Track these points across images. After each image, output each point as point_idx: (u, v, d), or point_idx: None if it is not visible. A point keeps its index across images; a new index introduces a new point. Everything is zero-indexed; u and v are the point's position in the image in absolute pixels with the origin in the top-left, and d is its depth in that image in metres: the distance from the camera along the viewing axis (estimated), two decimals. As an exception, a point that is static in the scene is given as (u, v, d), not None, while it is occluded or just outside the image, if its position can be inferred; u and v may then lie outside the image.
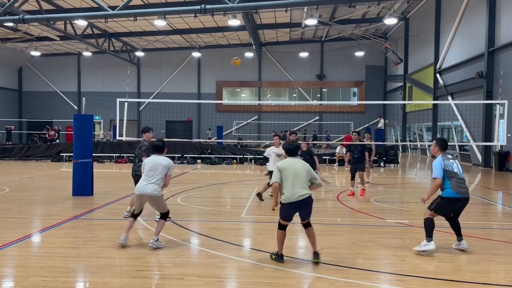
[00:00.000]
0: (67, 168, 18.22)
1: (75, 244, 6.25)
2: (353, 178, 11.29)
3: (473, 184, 15.22)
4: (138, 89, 39.95)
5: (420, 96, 29.34)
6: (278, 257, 5.42)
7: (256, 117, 39.02)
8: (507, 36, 18.72)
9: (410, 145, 32.69)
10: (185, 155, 22.53)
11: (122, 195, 10.78)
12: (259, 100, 39.92)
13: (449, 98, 24.49)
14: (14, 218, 8.16)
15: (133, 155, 8.67)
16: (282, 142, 9.95)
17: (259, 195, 10.21)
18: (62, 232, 7.04)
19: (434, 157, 6.20)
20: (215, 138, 32.19)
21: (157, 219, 7.22)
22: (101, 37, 32.06)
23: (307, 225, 5.50)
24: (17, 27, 28.39)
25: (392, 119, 35.90)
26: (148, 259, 5.64)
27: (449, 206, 5.91)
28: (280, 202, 5.37)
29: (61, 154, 22.79)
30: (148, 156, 6.68)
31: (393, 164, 20.98)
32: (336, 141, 32.36)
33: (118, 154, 22.67)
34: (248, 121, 38.79)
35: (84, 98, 12.12)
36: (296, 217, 5.52)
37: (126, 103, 12.86)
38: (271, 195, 10.08)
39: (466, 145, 23.28)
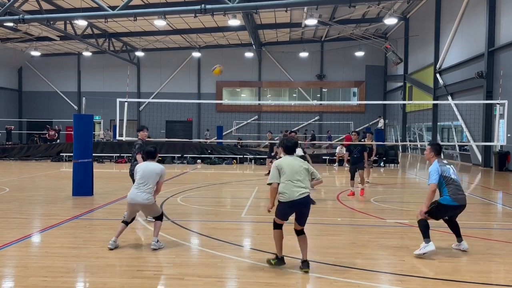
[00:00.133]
0: (67, 168, 18.22)
1: (75, 244, 6.25)
2: (352, 178, 11.27)
3: (473, 184, 15.23)
4: (138, 89, 39.95)
5: (420, 96, 29.34)
6: (278, 261, 5.22)
7: (256, 117, 39.02)
8: (507, 36, 18.72)
9: (410, 145, 32.70)
10: (185, 155, 22.53)
11: (122, 195, 10.77)
12: (259, 100, 39.93)
13: (449, 98, 24.49)
14: (14, 218, 8.16)
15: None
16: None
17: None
18: (62, 232, 7.04)
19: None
20: (215, 138, 32.18)
21: (150, 219, 7.25)
22: (101, 37, 32.07)
23: (300, 232, 5.26)
24: (17, 27, 28.40)
25: (392, 119, 35.91)
26: (148, 259, 5.64)
27: (445, 212, 5.88)
28: (279, 201, 5.17)
29: (61, 154, 22.79)
30: (142, 154, 6.58)
31: (393, 164, 20.98)
32: (336, 141, 32.39)
33: (118, 154, 22.67)
34: (248, 121, 38.79)
35: (84, 98, 12.12)
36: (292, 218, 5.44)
37: (126, 103, 12.85)
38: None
39: (466, 145, 23.29)
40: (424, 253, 5.70)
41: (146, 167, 6.22)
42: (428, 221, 5.85)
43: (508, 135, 17.85)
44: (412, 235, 6.85)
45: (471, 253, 5.97)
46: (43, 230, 7.12)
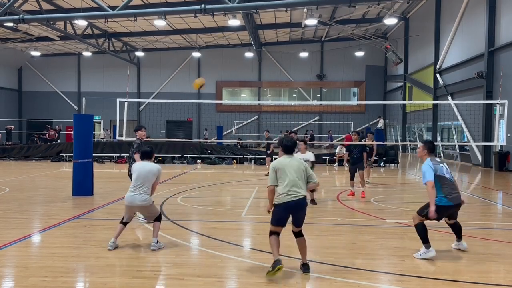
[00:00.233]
0: (67, 168, 18.22)
1: (75, 244, 6.25)
2: (352, 178, 11.26)
3: (473, 184, 15.23)
4: (138, 89, 39.96)
5: (420, 96, 29.35)
6: (275, 263, 4.87)
7: (256, 117, 39.03)
8: (507, 36, 18.72)
9: (410, 145, 32.69)
10: (185, 155, 22.54)
11: (122, 195, 10.72)
12: (259, 100, 39.94)
13: (449, 98, 24.49)
14: (14, 218, 8.16)
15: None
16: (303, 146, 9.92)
17: (312, 201, 9.74)
18: (62, 232, 7.04)
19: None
20: (215, 138, 32.19)
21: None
22: (101, 37, 32.08)
23: (298, 234, 5.15)
24: (17, 27, 28.40)
25: (392, 119, 35.91)
26: (148, 259, 5.64)
27: (441, 213, 5.69)
28: (274, 204, 5.03)
29: (61, 154, 22.79)
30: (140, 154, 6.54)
31: (393, 164, 20.98)
32: (337, 141, 32.40)
33: (118, 154, 22.67)
34: (248, 121, 38.80)
35: (84, 98, 12.12)
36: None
37: (126, 103, 12.86)
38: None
39: (466, 145, 23.29)
40: (423, 258, 5.65)
41: (142, 168, 6.16)
42: (428, 221, 5.76)
43: (508, 135, 17.85)
44: (412, 235, 6.83)
45: (471, 253, 5.97)
46: (43, 230, 7.12)
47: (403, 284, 4.82)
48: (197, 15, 17.18)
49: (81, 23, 26.51)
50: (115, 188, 12.30)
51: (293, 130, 20.57)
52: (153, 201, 6.29)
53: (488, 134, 19.79)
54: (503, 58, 19.11)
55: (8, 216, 8.28)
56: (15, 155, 23.54)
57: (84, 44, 31.51)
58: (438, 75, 26.05)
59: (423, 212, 5.70)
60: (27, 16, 18.29)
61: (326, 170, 18.96)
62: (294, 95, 40.85)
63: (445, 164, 5.91)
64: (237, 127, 38.02)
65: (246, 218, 8.44)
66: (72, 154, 12.58)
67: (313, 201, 9.85)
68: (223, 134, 34.26)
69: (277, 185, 5.02)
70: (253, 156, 22.61)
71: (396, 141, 33.82)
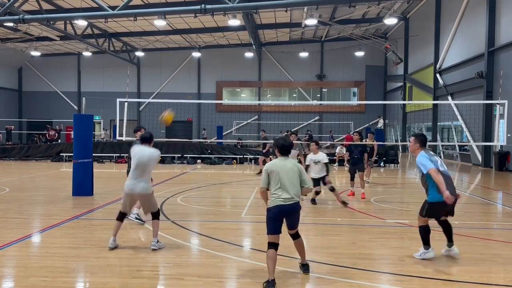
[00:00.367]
0: (67, 168, 18.22)
1: (75, 244, 6.25)
2: (352, 179, 11.25)
3: (473, 184, 15.24)
4: (138, 89, 39.96)
5: (420, 96, 29.35)
6: (268, 284, 4.61)
7: (256, 117, 39.02)
8: (507, 36, 18.72)
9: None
10: (185, 155, 22.53)
11: (122, 195, 10.76)
12: (259, 100, 39.94)
13: (449, 98, 24.49)
14: (14, 218, 8.16)
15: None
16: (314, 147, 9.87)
17: (343, 203, 9.53)
18: (62, 232, 7.04)
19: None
20: (215, 138, 32.18)
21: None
22: (101, 37, 32.07)
23: (295, 236, 5.03)
24: (17, 27, 28.40)
25: (392, 119, 35.91)
26: (148, 259, 5.64)
27: (439, 209, 5.50)
28: (267, 210, 4.86)
29: (61, 154, 22.79)
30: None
31: (393, 164, 20.98)
32: (337, 141, 32.38)
33: (118, 154, 22.67)
34: (248, 121, 38.79)
35: (84, 98, 12.13)
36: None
37: (126, 103, 12.87)
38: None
39: (466, 145, 23.29)
40: (422, 259, 5.63)
41: (142, 154, 6.03)
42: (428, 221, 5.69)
43: (508, 135, 17.85)
44: (412, 235, 6.85)
45: (471, 253, 5.97)
46: (43, 230, 7.12)
47: (403, 284, 4.82)
48: (197, 15, 17.19)
49: (81, 23, 26.51)
50: (115, 188, 12.29)
51: (293, 130, 20.53)
52: (152, 191, 6.24)
53: (488, 134, 19.79)
54: (503, 58, 19.11)
55: (8, 216, 8.28)
56: (15, 155, 23.54)
57: (84, 44, 31.50)
58: (438, 75, 26.05)
59: (423, 211, 5.58)
60: (27, 16, 18.29)
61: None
62: (294, 95, 40.85)
63: (438, 157, 5.72)
64: (237, 127, 38.01)
65: (246, 218, 8.44)
66: (72, 154, 12.58)
67: (313, 201, 9.85)
68: (223, 134, 34.25)
69: (268, 189, 4.88)
70: (253, 156, 22.60)
71: (396, 141, 33.82)
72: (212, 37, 34.81)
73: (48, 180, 14.49)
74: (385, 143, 25.73)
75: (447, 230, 5.77)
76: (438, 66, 26.05)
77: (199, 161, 22.28)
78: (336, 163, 21.14)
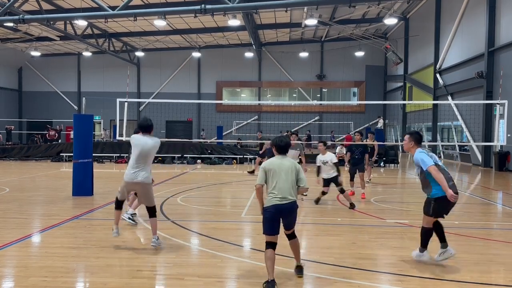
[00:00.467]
0: (67, 168, 18.22)
1: (75, 244, 6.25)
2: (352, 179, 11.24)
3: (473, 184, 15.24)
4: (138, 89, 39.96)
5: (420, 96, 29.35)
6: (268, 285, 4.57)
7: (256, 117, 39.02)
8: (507, 36, 18.72)
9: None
10: (185, 155, 22.54)
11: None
12: (259, 100, 39.94)
13: (449, 98, 24.49)
14: (14, 218, 8.16)
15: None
16: (321, 148, 9.86)
17: (351, 205, 9.41)
18: (62, 232, 7.04)
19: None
20: (215, 138, 32.18)
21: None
22: (101, 37, 32.08)
23: (291, 236, 4.94)
24: (17, 27, 28.40)
25: (392, 119, 35.91)
26: (148, 259, 5.64)
27: (446, 205, 5.20)
28: (264, 209, 4.79)
29: (61, 154, 22.79)
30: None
31: (393, 164, 20.99)
32: (337, 141, 32.37)
33: (118, 154, 22.67)
34: (248, 121, 38.79)
35: (84, 98, 12.12)
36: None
37: (126, 103, 12.87)
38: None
39: (466, 145, 23.29)
40: (417, 260, 5.53)
41: (144, 144, 5.97)
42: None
43: (508, 135, 17.86)
44: (412, 235, 6.85)
45: (471, 253, 5.97)
46: (43, 230, 7.12)
47: (403, 284, 4.82)
48: (197, 15, 17.18)
49: (81, 23, 26.51)
50: (115, 188, 12.22)
51: (293, 130, 20.54)
52: (152, 180, 6.24)
53: (488, 134, 19.79)
54: (503, 58, 19.11)
55: (8, 216, 8.28)
56: (15, 155, 23.54)
57: (84, 44, 31.50)
58: (438, 75, 26.05)
59: (429, 210, 5.29)
60: (27, 16, 18.29)
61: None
62: (294, 95, 40.85)
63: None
64: (237, 127, 38.01)
65: (246, 218, 8.44)
66: (72, 154, 12.58)
67: (318, 201, 9.79)
68: (223, 134, 34.26)
69: (264, 185, 4.83)
70: (253, 156, 22.59)
71: (396, 141, 33.81)
72: (212, 37, 34.81)
73: (48, 180, 14.48)
74: (385, 143, 25.73)
75: (439, 230, 5.49)
76: (438, 66, 26.05)
77: (199, 161, 22.27)
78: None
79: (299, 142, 13.02)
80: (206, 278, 4.92)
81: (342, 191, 9.50)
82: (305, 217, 8.56)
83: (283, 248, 5.47)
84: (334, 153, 21.83)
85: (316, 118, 39.16)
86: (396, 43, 33.23)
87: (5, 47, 35.28)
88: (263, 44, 38.18)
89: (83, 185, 10.71)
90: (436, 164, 5.18)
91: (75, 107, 40.23)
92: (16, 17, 17.85)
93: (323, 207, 9.66)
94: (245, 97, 41.79)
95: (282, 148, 4.94)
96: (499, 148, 19.18)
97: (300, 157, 11.27)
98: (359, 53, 34.80)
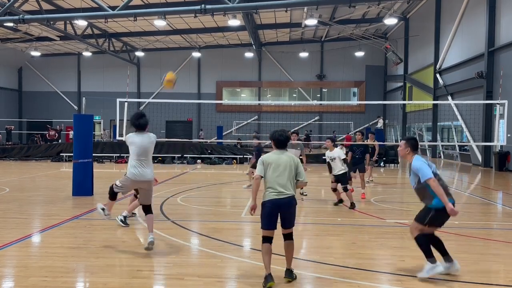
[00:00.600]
0: (67, 168, 18.22)
1: (75, 244, 6.25)
2: (350, 178, 11.21)
3: (473, 184, 15.24)
4: (138, 89, 39.95)
5: (420, 96, 29.35)
6: (266, 279, 4.58)
7: (256, 117, 39.01)
8: (507, 36, 18.72)
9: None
10: (185, 155, 22.54)
11: (122, 195, 10.75)
12: (259, 100, 39.92)
13: (449, 98, 24.49)
14: (14, 218, 8.16)
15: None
16: (328, 144, 9.87)
17: (352, 204, 9.39)
18: (62, 232, 7.04)
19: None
20: (215, 138, 32.18)
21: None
22: (101, 37, 32.07)
23: (288, 237, 4.82)
24: (17, 27, 28.39)
25: (392, 119, 35.90)
26: (148, 259, 5.64)
27: (443, 217, 4.91)
28: (262, 204, 4.75)
29: (61, 154, 22.80)
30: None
31: (393, 164, 20.99)
32: (337, 141, 32.33)
33: (118, 154, 22.67)
34: (248, 121, 38.79)
35: (84, 98, 12.12)
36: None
37: (126, 103, 12.88)
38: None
39: (466, 145, 23.29)
40: (432, 274, 4.88)
41: (141, 141, 5.95)
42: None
43: (508, 135, 17.86)
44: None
45: (471, 253, 5.97)
46: (43, 230, 7.12)
47: (403, 284, 4.82)
48: (197, 15, 17.17)
49: (81, 23, 26.51)
50: (115, 188, 12.28)
51: (294, 130, 20.49)
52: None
53: (488, 134, 19.79)
54: (503, 58, 19.11)
55: (8, 216, 8.28)
56: (15, 155, 23.54)
57: (84, 44, 31.49)
58: (438, 75, 26.05)
59: (425, 219, 4.89)
60: (27, 16, 18.28)
61: (326, 170, 18.93)
62: (294, 95, 40.84)
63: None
64: (237, 127, 38.00)
65: (246, 218, 8.43)
66: (72, 154, 12.58)
67: (341, 201, 9.66)
68: (223, 134, 34.26)
69: (263, 177, 4.76)
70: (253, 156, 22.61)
71: (396, 141, 33.78)
72: (212, 37, 34.80)
73: (48, 180, 14.49)
74: (385, 143, 25.73)
75: (438, 243, 5.10)
76: (438, 66, 26.05)
77: (199, 161, 22.28)
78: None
79: (300, 142, 13.01)
80: (206, 278, 4.92)
81: (345, 189, 9.50)
82: (305, 217, 8.57)
83: (283, 248, 5.47)
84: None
85: (316, 118, 39.15)
86: (396, 43, 33.22)
87: (5, 47, 35.27)
88: (263, 44, 38.18)
89: (83, 185, 10.71)
90: (435, 174, 4.87)
91: (75, 107, 40.22)
92: (16, 17, 17.84)
93: (323, 207, 9.66)
94: (245, 97, 41.78)
95: (280, 142, 4.89)
96: (499, 148, 19.18)
97: (301, 156, 11.27)
98: (359, 53, 34.79)
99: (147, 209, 6.12)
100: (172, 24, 30.85)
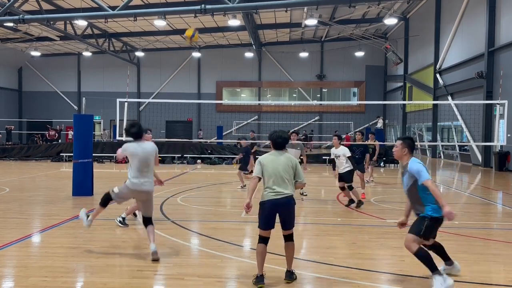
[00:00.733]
0: (67, 168, 18.22)
1: (75, 244, 6.25)
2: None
3: (473, 184, 15.24)
4: (138, 89, 39.95)
5: (420, 96, 29.35)
6: (257, 279, 4.61)
7: (256, 117, 39.01)
8: (507, 36, 18.72)
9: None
10: (185, 155, 22.54)
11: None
12: (259, 100, 39.91)
13: (449, 98, 24.49)
14: (14, 218, 8.16)
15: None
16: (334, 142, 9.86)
17: (359, 203, 9.39)
18: (62, 232, 7.04)
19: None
20: (215, 138, 32.18)
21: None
22: (101, 37, 32.07)
23: (288, 238, 4.80)
24: (17, 27, 28.39)
25: (392, 119, 35.91)
26: (148, 259, 5.63)
27: (436, 227, 4.72)
28: (260, 204, 4.77)
29: (61, 154, 22.80)
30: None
31: (393, 164, 20.98)
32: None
33: (118, 154, 22.64)
34: (248, 121, 38.78)
35: (84, 98, 12.12)
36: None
37: (126, 103, 12.88)
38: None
39: (466, 145, 23.29)
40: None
41: (142, 151, 5.75)
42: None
43: (508, 135, 17.86)
44: (412, 235, 6.84)
45: (471, 253, 5.97)
46: (43, 230, 7.12)
47: (403, 284, 4.82)
48: (197, 15, 17.18)
49: (81, 23, 26.50)
50: (115, 188, 12.27)
51: (294, 130, 20.47)
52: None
53: (488, 134, 19.79)
54: (503, 58, 19.11)
55: (8, 216, 8.28)
56: (15, 155, 23.54)
57: (84, 44, 31.49)
58: (438, 75, 26.05)
59: (420, 229, 4.61)
60: (27, 16, 18.28)
61: (326, 170, 18.95)
62: (294, 95, 40.83)
63: None
64: (237, 127, 38.00)
65: (246, 218, 8.42)
66: (72, 154, 12.59)
67: (352, 201, 9.55)
68: (223, 134, 34.26)
69: (261, 178, 4.76)
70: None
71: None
72: (212, 37, 34.79)
73: (48, 180, 14.49)
74: (385, 143, 25.73)
75: (439, 249, 4.97)
76: (438, 66, 26.05)
77: (199, 161, 22.28)
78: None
79: (300, 142, 13.01)
80: (206, 278, 4.92)
81: (350, 188, 9.48)
82: (305, 217, 8.57)
83: (282, 248, 5.46)
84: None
85: (316, 118, 39.15)
86: (396, 43, 33.22)
87: (5, 47, 35.27)
88: (263, 44, 38.18)
89: (83, 185, 10.71)
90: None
91: (75, 107, 40.21)
92: (16, 17, 17.84)
93: (323, 207, 9.66)
94: (245, 97, 41.78)
95: (278, 143, 4.87)
96: (499, 148, 19.18)
97: (301, 157, 11.28)
98: (359, 53, 34.78)
99: (147, 221, 5.83)
100: (172, 24, 30.85)
